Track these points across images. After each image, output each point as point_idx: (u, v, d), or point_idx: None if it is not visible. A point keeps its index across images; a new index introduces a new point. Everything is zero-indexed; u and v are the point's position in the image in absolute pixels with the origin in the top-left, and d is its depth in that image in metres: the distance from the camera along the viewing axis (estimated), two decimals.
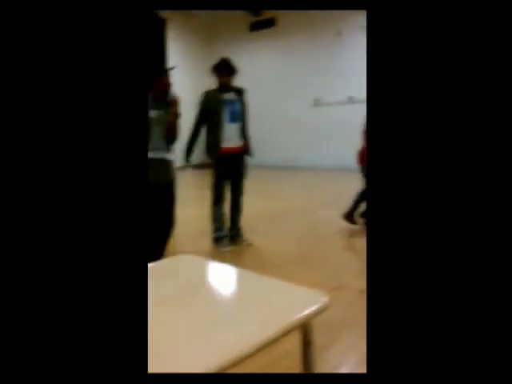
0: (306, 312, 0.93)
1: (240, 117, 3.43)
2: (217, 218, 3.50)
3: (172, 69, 2.77)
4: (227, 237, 3.59)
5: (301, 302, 0.99)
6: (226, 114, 3.35)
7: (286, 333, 0.87)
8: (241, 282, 1.17)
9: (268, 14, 10.45)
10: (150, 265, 1.38)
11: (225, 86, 3.36)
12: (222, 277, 1.23)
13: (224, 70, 3.33)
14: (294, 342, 1.57)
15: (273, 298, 1.03)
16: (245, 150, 3.50)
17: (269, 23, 10.61)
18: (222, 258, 3.16)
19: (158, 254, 2.74)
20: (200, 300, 1.05)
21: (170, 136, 2.76)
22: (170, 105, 2.71)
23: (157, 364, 0.75)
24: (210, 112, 3.35)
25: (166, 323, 0.90)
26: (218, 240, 3.51)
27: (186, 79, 10.55)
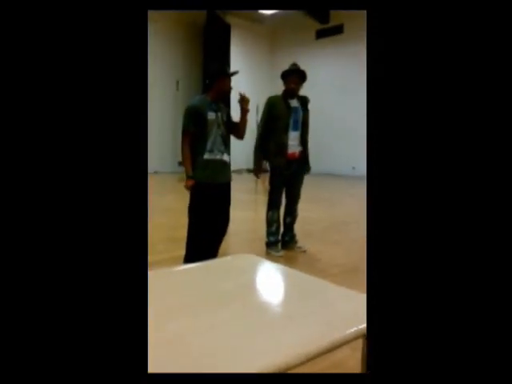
0: None
1: (301, 125, 3.41)
2: (271, 222, 3.49)
3: (234, 73, 2.80)
4: (280, 242, 3.57)
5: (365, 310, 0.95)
6: (290, 122, 3.34)
7: (349, 340, 0.84)
8: (302, 284, 1.15)
9: (335, 20, 10.37)
10: (207, 262, 1.39)
11: (291, 93, 3.36)
12: (282, 278, 1.21)
13: (295, 76, 3.32)
14: (346, 354, 1.51)
15: (336, 304, 1.00)
16: (303, 158, 3.47)
17: (336, 30, 10.51)
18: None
19: (212, 251, 2.77)
20: (259, 299, 1.04)
21: (239, 133, 2.81)
22: (241, 101, 2.76)
23: (215, 361, 0.75)
24: (275, 118, 3.35)
25: (228, 320, 0.90)
26: (271, 244, 3.50)
27: (248, 85, 10.73)
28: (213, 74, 2.74)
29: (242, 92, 2.78)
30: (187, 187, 2.63)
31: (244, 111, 2.78)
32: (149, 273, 1.37)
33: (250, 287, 1.11)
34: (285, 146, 3.34)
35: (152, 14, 8.47)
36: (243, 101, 2.75)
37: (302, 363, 0.76)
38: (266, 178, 3.65)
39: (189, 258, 2.65)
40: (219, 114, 2.67)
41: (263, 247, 3.54)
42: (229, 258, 1.40)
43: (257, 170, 3.53)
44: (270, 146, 3.39)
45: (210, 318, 0.91)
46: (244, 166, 10.34)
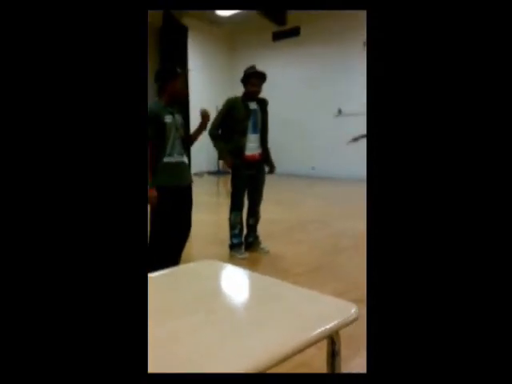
0: (336, 322, 0.91)
1: (260, 127, 3.44)
2: (234, 224, 3.50)
3: (184, 72, 2.75)
4: (244, 244, 3.58)
5: (330, 311, 0.97)
6: (249, 124, 3.35)
7: (314, 342, 0.86)
8: (267, 288, 1.15)
9: (292, 22, 10.52)
10: (172, 269, 1.37)
11: (252, 96, 3.37)
12: (247, 283, 1.21)
13: (256, 79, 3.33)
14: (310, 354, 1.53)
15: (301, 306, 1.01)
16: (264, 159, 3.50)
17: (293, 33, 10.65)
18: (238, 265, 3.13)
19: (175, 256, 2.74)
20: (225, 305, 1.04)
21: (190, 141, 2.81)
22: (202, 115, 2.75)
23: (183, 366, 0.74)
24: (234, 120, 3.34)
25: (191, 329, 0.89)
26: (234, 247, 3.51)
27: (207, 87, 10.66)
28: (162, 76, 2.68)
29: (204, 109, 2.76)
30: (150, 199, 2.53)
31: (202, 125, 2.78)
32: None
33: (214, 294, 1.11)
34: (243, 148, 3.35)
35: None
36: (204, 116, 2.75)
37: (272, 366, 0.77)
38: (227, 181, 3.64)
39: (153, 265, 2.59)
40: (176, 116, 2.64)
41: (227, 250, 3.53)
42: (192, 264, 1.39)
43: (225, 157, 3.44)
44: (229, 147, 3.39)
45: (176, 326, 0.90)
46: (205, 169, 10.27)
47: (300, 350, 0.82)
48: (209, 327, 0.90)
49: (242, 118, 3.33)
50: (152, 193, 2.52)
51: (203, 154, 9.47)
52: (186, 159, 2.73)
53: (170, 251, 2.69)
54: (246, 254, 3.48)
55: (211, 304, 1.02)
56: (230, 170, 3.50)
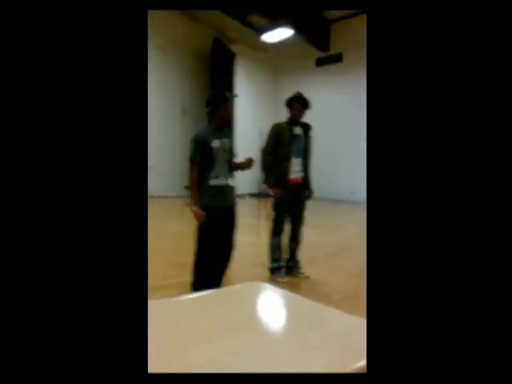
0: None
1: (304, 152, 3.49)
2: (275, 248, 3.52)
3: (233, 97, 2.85)
4: (284, 268, 3.59)
5: None
6: (294, 149, 3.43)
7: (357, 371, 0.87)
8: (313, 312, 1.16)
9: (335, 49, 10.63)
10: (217, 290, 1.41)
11: (296, 120, 3.45)
12: (294, 306, 1.23)
13: (298, 103, 3.42)
14: None
15: (347, 332, 1.02)
16: (306, 184, 3.54)
17: (336, 58, 10.77)
18: None
19: (218, 276, 2.80)
20: (270, 328, 1.07)
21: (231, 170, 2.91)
22: (246, 165, 2.86)
23: None
24: (279, 145, 3.43)
25: (234, 351, 0.91)
26: (274, 270, 3.52)
27: (252, 111, 10.90)
28: (212, 101, 2.79)
29: (251, 158, 2.87)
30: (198, 218, 2.65)
31: (243, 167, 2.88)
32: (157, 301, 1.40)
33: (261, 316, 1.14)
34: (287, 173, 3.41)
35: (160, 42, 8.70)
36: (248, 164, 2.85)
37: None
38: (267, 204, 3.70)
39: (196, 284, 2.67)
40: (224, 141, 2.74)
41: (267, 272, 3.55)
42: (238, 286, 1.44)
43: (271, 184, 3.49)
44: (275, 175, 3.45)
45: (217, 348, 0.92)
46: (246, 191, 10.40)
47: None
48: (252, 350, 0.92)
49: (286, 142, 3.41)
50: (199, 212, 2.62)
51: (245, 176, 9.62)
52: (231, 182, 2.82)
53: (213, 271, 2.75)
54: (286, 279, 3.49)
55: (256, 326, 1.05)
56: (271, 193, 3.55)
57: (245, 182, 10.14)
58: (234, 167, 2.89)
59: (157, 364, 0.82)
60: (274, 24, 9.39)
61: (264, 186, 3.64)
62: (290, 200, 3.46)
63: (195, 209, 2.64)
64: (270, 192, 3.58)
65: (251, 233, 5.47)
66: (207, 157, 2.66)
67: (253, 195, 10.44)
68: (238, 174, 2.96)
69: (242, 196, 9.94)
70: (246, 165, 2.86)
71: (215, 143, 2.69)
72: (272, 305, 1.27)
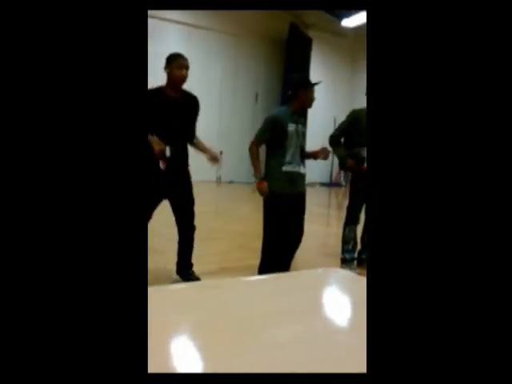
0: None
1: None
2: (349, 239, 3.38)
3: (317, 83, 2.75)
4: (356, 259, 3.44)
5: None
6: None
7: None
8: None
9: None
10: (286, 274, 1.35)
11: None
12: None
13: None
14: None
15: None
16: None
17: None
18: None
19: (286, 262, 2.74)
20: (344, 317, 0.98)
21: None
22: (320, 153, 2.77)
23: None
24: (357, 132, 3.26)
25: (302, 338, 0.86)
26: (346, 261, 3.39)
27: (328, 98, 10.65)
28: (296, 84, 2.72)
29: (325, 147, 2.79)
30: (261, 190, 2.60)
31: (319, 157, 2.80)
32: (224, 280, 1.37)
33: (333, 304, 1.06)
34: (363, 160, 3.23)
35: (235, 29, 8.76)
36: (323, 153, 2.77)
37: None
38: (339, 193, 3.54)
39: (263, 268, 2.64)
40: (299, 126, 2.66)
41: (336, 263, 3.43)
42: (309, 271, 1.35)
43: (346, 161, 3.33)
44: (348, 160, 3.30)
45: (286, 334, 0.90)
46: (317, 180, 10.23)
47: None
48: (316, 339, 0.87)
49: (364, 130, 3.23)
50: (263, 184, 2.57)
51: (316, 164, 9.47)
52: (303, 169, 2.73)
53: (281, 256, 2.70)
54: (358, 271, 3.34)
55: (324, 314, 0.98)
56: (342, 182, 3.41)
57: (316, 170, 9.98)
58: (306, 155, 2.78)
59: (216, 345, 0.82)
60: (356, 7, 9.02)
61: (336, 174, 3.51)
62: (365, 189, 3.29)
63: (258, 181, 2.60)
64: (342, 181, 3.43)
65: (321, 222, 5.34)
66: (281, 139, 2.59)
67: (324, 184, 10.24)
68: (309, 162, 2.86)
69: (312, 185, 9.79)
70: (321, 153, 2.75)
71: (291, 126, 2.61)
72: (348, 293, 1.17)
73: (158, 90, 2.58)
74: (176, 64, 2.53)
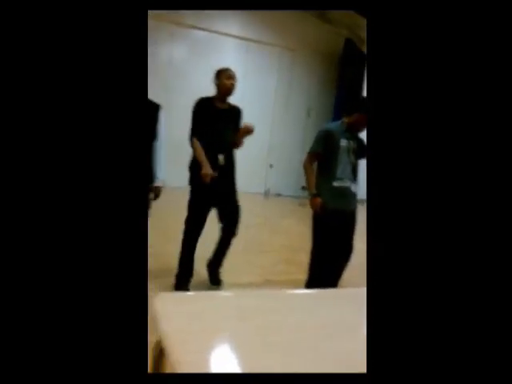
0: None
1: None
2: None
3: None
4: None
5: None
6: None
7: None
8: None
9: None
10: (331, 290, 1.33)
11: None
12: None
13: None
14: None
15: None
16: None
17: None
18: None
19: (334, 279, 2.69)
20: None
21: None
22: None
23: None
24: None
25: (336, 356, 0.86)
26: None
27: None
28: (357, 105, 2.70)
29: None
30: (315, 206, 2.58)
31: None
32: (267, 292, 1.37)
33: None
34: None
35: (290, 43, 8.84)
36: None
37: None
38: None
39: (310, 283, 2.60)
40: (351, 143, 2.62)
41: None
42: (358, 289, 1.31)
43: None
44: None
45: (321, 351, 0.90)
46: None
47: None
48: (349, 356, 0.84)
49: None
50: (316, 200, 2.55)
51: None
52: (354, 187, 2.68)
53: (329, 273, 2.65)
54: None
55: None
56: None
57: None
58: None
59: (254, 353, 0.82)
60: None
61: None
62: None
63: (311, 197, 2.58)
64: None
65: None
66: (332, 153, 2.57)
67: None
68: (362, 177, 2.79)
69: (362, 202, 9.57)
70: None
71: (343, 142, 2.59)
72: None
73: (208, 99, 2.67)
74: (225, 75, 2.64)
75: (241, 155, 2.79)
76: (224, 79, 2.62)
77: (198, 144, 2.58)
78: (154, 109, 2.55)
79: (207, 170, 2.53)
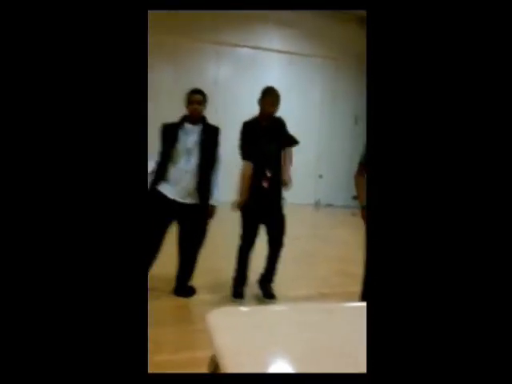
0: None
1: None
2: None
3: None
4: None
5: None
6: None
7: None
8: None
9: None
10: None
11: None
12: None
13: None
14: None
15: None
16: None
17: None
18: None
19: None
20: None
21: None
22: None
23: None
24: None
25: None
26: None
27: None
28: None
29: None
30: (365, 218, 2.54)
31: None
32: (321, 305, 1.35)
33: None
34: None
35: (335, 53, 8.80)
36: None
37: None
38: None
39: (365, 295, 2.54)
40: None
41: None
42: None
43: None
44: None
45: None
46: None
47: None
48: None
49: None
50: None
51: None
52: None
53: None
54: None
55: None
56: None
57: None
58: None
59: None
60: None
61: None
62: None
63: (361, 208, 2.55)
64: None
65: None
66: None
67: None
68: None
69: None
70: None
71: None
72: None
73: (252, 121, 2.76)
74: (267, 101, 2.69)
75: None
76: (266, 106, 2.68)
77: (247, 169, 2.64)
78: (214, 132, 2.68)
79: (241, 199, 2.62)
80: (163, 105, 5.88)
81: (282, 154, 2.74)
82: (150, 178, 2.59)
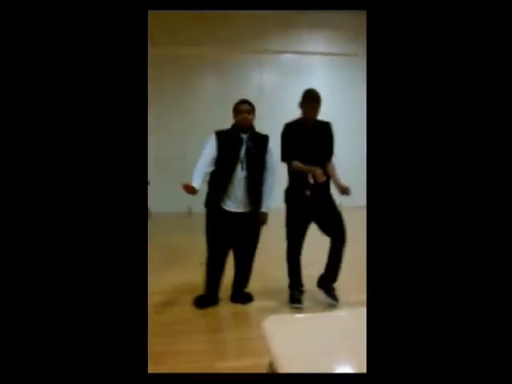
0: None
1: None
2: None
3: None
4: None
5: None
6: None
7: None
8: None
9: None
10: None
11: None
12: None
13: None
14: None
15: None
16: None
17: None
18: None
19: None
20: None
21: None
22: None
23: None
24: None
25: None
26: None
27: None
28: None
29: None
30: None
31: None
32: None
33: None
34: None
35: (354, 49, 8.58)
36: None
37: None
38: None
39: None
40: None
41: None
42: None
43: None
44: None
45: None
46: None
47: None
48: None
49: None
50: None
51: None
52: None
53: None
54: None
55: None
56: None
57: None
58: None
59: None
60: None
61: None
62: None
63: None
64: None
65: None
66: None
67: None
68: None
69: None
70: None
71: None
72: None
73: (295, 122, 2.74)
74: (308, 106, 2.64)
75: (339, 169, 2.75)
76: (306, 110, 2.64)
77: (296, 163, 2.61)
78: (263, 141, 2.69)
79: (316, 171, 2.46)
80: (210, 116, 6.01)
81: (327, 165, 2.68)
82: (199, 181, 2.51)
